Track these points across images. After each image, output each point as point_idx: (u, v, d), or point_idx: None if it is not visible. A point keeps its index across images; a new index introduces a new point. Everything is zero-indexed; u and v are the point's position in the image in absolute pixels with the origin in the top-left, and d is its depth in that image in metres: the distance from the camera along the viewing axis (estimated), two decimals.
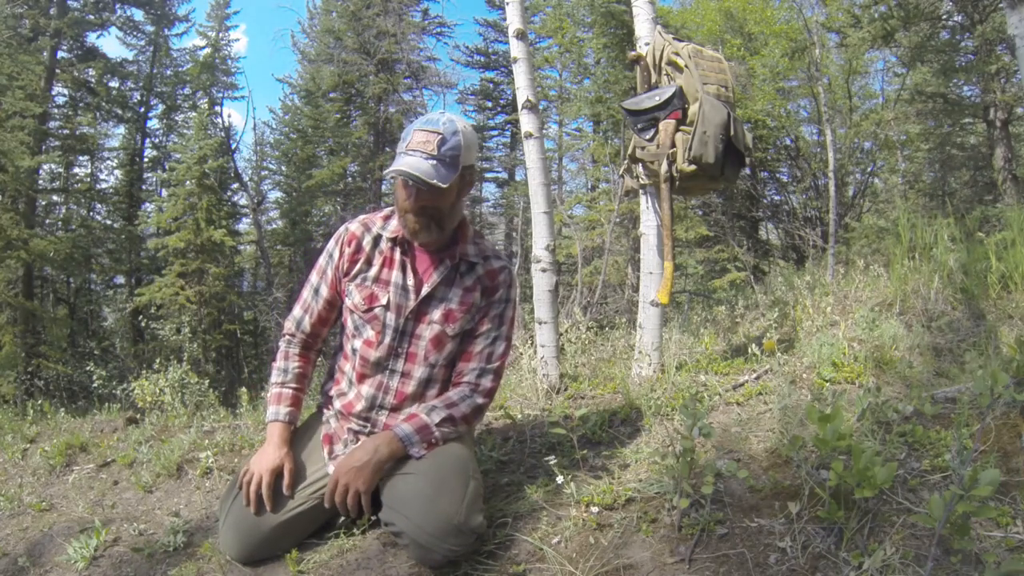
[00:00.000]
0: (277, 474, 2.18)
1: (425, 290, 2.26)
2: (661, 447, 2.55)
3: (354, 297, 2.29)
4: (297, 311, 2.44)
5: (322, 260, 2.40)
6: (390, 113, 20.49)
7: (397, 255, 2.29)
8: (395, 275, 2.28)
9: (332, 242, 2.37)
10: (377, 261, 2.31)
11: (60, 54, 17.46)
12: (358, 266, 2.31)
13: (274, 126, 22.49)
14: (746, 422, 2.75)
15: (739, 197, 11.91)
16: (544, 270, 3.86)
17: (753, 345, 3.65)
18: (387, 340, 2.26)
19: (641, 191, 3.77)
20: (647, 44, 3.68)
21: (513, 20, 3.96)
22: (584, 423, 2.95)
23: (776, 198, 12.52)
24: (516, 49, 3.95)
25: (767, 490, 2.10)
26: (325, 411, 2.45)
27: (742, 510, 2.01)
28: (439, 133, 2.10)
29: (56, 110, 18.35)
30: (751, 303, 5.72)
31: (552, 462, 2.57)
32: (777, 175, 12.37)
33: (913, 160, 12.49)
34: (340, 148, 19.85)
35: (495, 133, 24.71)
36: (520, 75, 3.95)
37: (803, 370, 3.31)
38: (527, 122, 3.91)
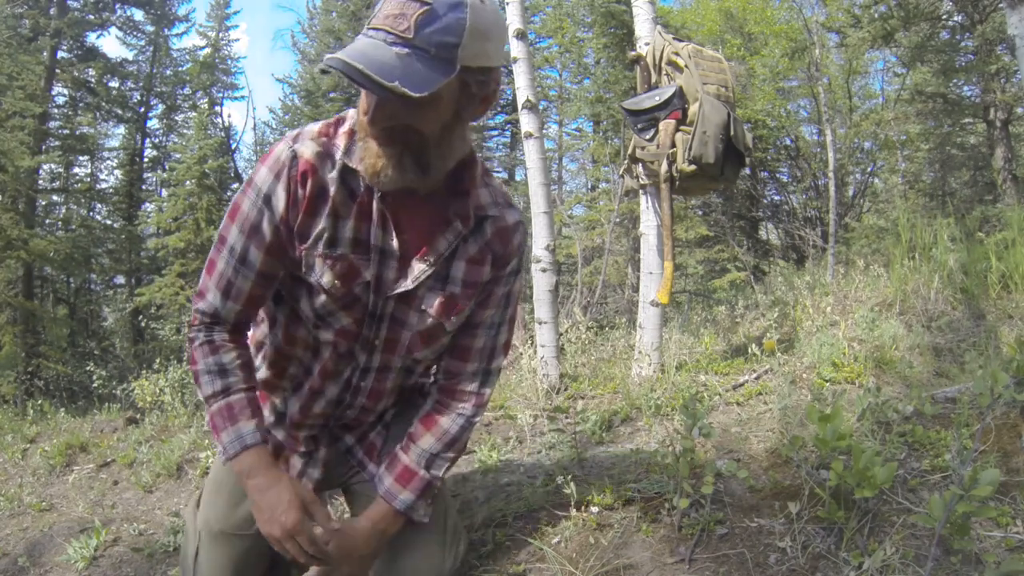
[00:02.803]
0: (304, 520, 1.45)
1: (420, 270, 1.50)
2: (661, 447, 2.55)
3: (322, 276, 1.46)
4: (211, 292, 1.52)
5: (248, 206, 1.46)
6: None
7: (375, 201, 1.45)
8: (374, 233, 1.46)
9: (265, 173, 1.43)
10: (349, 212, 1.45)
11: (60, 54, 17.45)
12: (320, 221, 1.44)
13: (274, 126, 22.50)
14: (746, 422, 2.75)
15: (739, 197, 11.91)
16: (544, 270, 3.86)
17: (753, 345, 3.65)
18: (362, 328, 1.56)
19: (641, 191, 3.77)
20: (647, 44, 3.69)
21: (513, 20, 3.97)
22: (584, 423, 2.95)
23: (776, 198, 12.52)
24: (516, 49, 3.95)
25: (767, 490, 2.10)
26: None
27: (742, 510, 2.01)
28: (426, 2, 1.21)
29: (56, 110, 18.34)
30: (751, 303, 5.72)
31: (552, 462, 2.57)
32: (777, 175, 12.37)
33: (913, 160, 12.49)
34: None
35: (495, 133, 24.67)
36: (520, 75, 3.95)
37: (803, 370, 3.31)
38: (527, 122, 3.92)
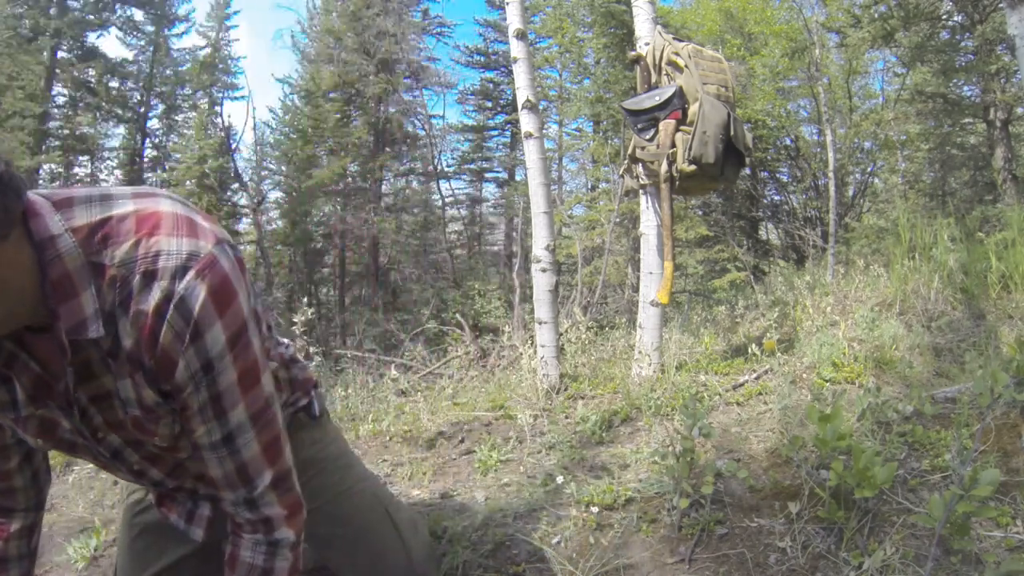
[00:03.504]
0: None
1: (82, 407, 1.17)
2: (661, 447, 2.54)
3: (25, 434, 1.21)
4: None
5: None
6: (390, 113, 20.50)
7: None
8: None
9: None
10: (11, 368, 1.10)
11: (60, 54, 17.49)
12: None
13: (274, 126, 22.51)
14: (746, 422, 2.75)
15: (739, 197, 11.91)
16: (544, 270, 3.86)
17: (753, 345, 3.65)
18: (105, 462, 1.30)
19: (641, 191, 3.77)
20: (647, 44, 3.69)
21: (513, 20, 3.96)
22: (584, 423, 2.95)
23: (776, 198, 12.51)
24: (516, 49, 3.95)
25: (767, 490, 2.10)
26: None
27: (742, 510, 2.01)
28: None
29: (56, 110, 18.37)
30: (751, 303, 5.72)
31: (552, 462, 2.57)
32: (777, 175, 12.36)
33: (913, 160, 12.48)
34: (340, 148, 19.84)
35: (495, 133, 24.71)
36: (520, 75, 3.95)
37: (803, 370, 3.31)
38: (527, 122, 3.91)
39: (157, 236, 1.05)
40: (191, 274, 1.04)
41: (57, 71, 17.34)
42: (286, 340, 1.72)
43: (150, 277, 1.03)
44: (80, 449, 1.25)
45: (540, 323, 3.86)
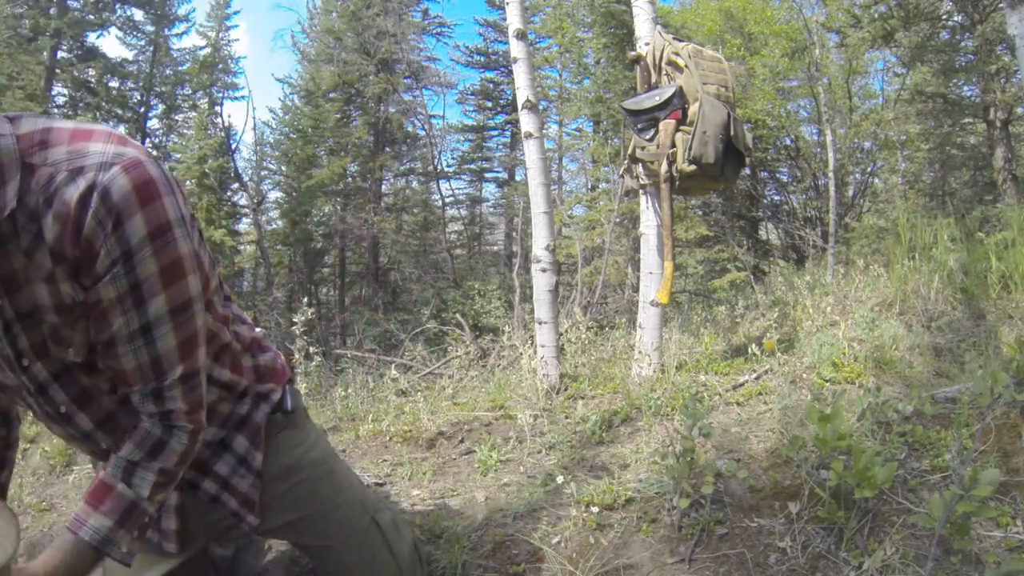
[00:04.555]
0: None
1: None
2: (661, 447, 2.55)
3: None
4: None
5: None
6: (390, 113, 20.49)
7: None
8: None
9: None
10: None
11: (60, 54, 17.48)
12: None
13: (274, 126, 22.48)
14: (746, 422, 2.75)
15: (739, 197, 11.91)
16: (544, 270, 3.86)
17: (753, 345, 3.65)
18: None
19: (641, 191, 3.77)
20: (647, 44, 3.69)
21: (513, 20, 3.97)
22: (584, 423, 2.95)
23: (776, 198, 12.52)
24: (516, 49, 3.95)
25: (767, 490, 2.10)
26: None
27: (742, 510, 2.01)
28: None
29: (56, 110, 18.34)
30: (751, 303, 5.72)
31: (552, 462, 2.57)
32: (777, 175, 12.36)
33: (913, 160, 12.48)
34: (340, 148, 19.85)
35: (495, 133, 24.71)
36: (520, 75, 3.95)
37: (803, 370, 3.31)
38: (527, 122, 3.92)
39: (88, 142, 1.09)
40: (116, 168, 1.07)
41: (57, 71, 17.33)
42: (260, 329, 1.69)
43: (76, 173, 1.06)
44: (7, 388, 1.27)
45: (540, 323, 3.86)
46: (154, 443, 1.26)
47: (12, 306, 1.14)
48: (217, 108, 20.88)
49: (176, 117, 21.87)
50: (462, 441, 3.11)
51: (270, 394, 1.61)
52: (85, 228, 1.06)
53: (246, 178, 19.94)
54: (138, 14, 19.94)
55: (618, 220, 10.00)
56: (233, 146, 18.85)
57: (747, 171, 10.85)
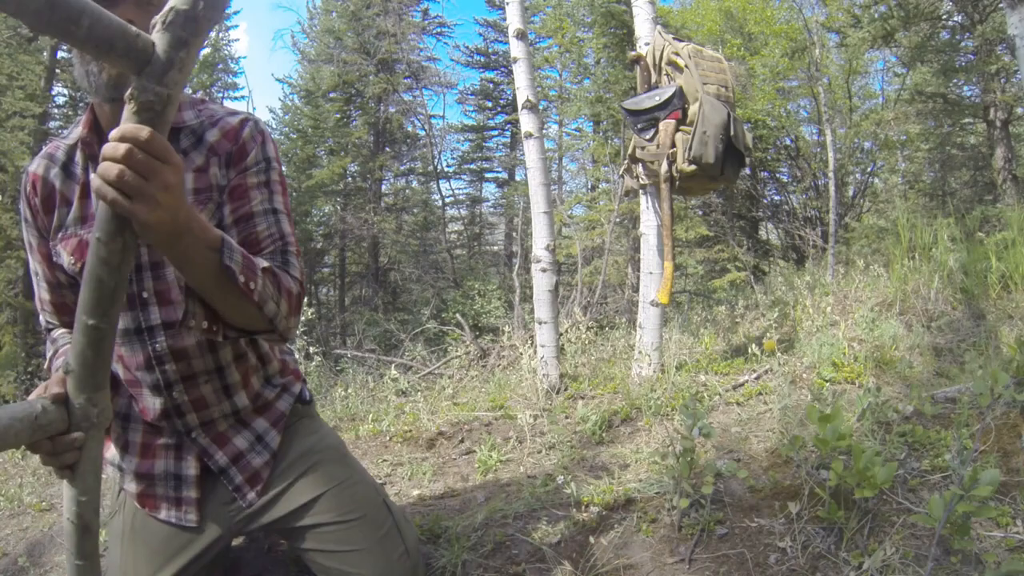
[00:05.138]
0: None
1: None
2: (661, 447, 2.55)
3: (62, 258, 1.53)
4: (40, 313, 1.69)
5: (24, 233, 1.62)
6: (390, 113, 20.49)
7: (91, 170, 1.51)
8: (95, 202, 1.37)
9: (22, 201, 1.61)
10: (74, 193, 1.53)
11: (60, 54, 17.47)
12: (57, 213, 1.54)
13: (274, 126, 22.42)
14: (746, 422, 2.75)
15: (739, 197, 11.91)
16: (544, 270, 3.86)
17: (753, 345, 3.65)
18: (131, 293, 1.53)
19: (641, 191, 3.77)
20: (647, 44, 3.69)
21: (513, 20, 3.97)
22: (584, 423, 2.95)
23: (776, 198, 12.51)
24: (516, 49, 3.95)
25: (767, 490, 2.10)
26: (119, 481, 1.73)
27: (742, 510, 2.01)
28: None
29: (56, 110, 18.34)
30: (751, 303, 5.72)
31: (552, 462, 2.57)
32: (777, 175, 12.35)
33: (913, 160, 12.48)
34: (340, 148, 19.83)
35: (495, 133, 24.68)
36: (520, 75, 3.95)
37: (803, 370, 3.31)
38: (527, 122, 3.92)
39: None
40: (257, 118, 1.63)
41: (57, 71, 17.31)
42: None
43: (234, 113, 1.62)
44: None
45: (540, 323, 3.86)
46: (279, 274, 1.45)
47: None
48: None
49: None
50: (462, 441, 3.11)
51: (291, 386, 1.81)
52: (244, 135, 1.57)
53: None
54: None
55: (618, 220, 10.00)
56: None
57: (747, 171, 10.85)
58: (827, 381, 3.06)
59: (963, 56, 9.70)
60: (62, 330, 1.64)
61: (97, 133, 1.52)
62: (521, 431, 3.04)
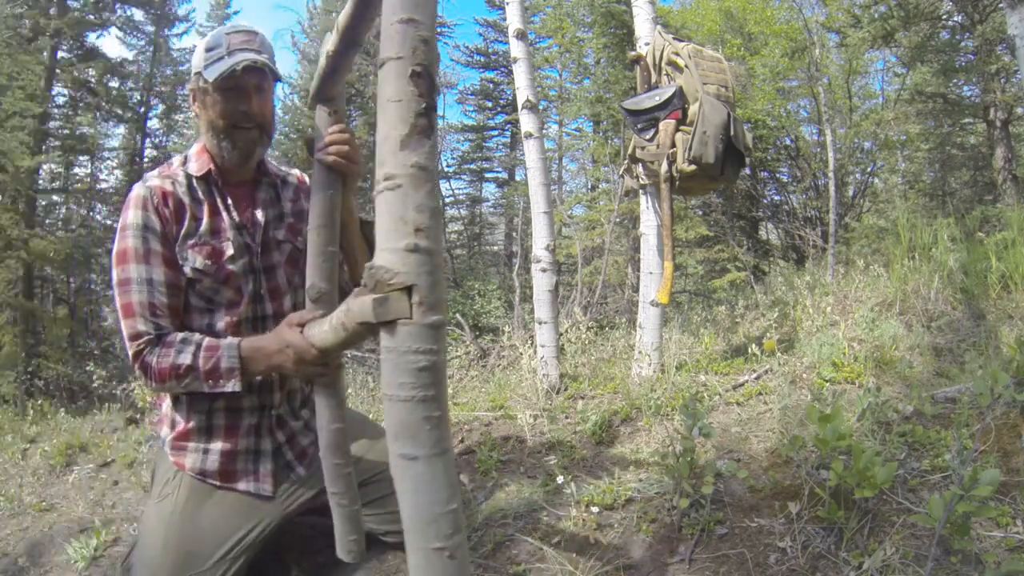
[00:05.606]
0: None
1: (261, 217, 2.00)
2: (661, 447, 2.55)
3: (195, 261, 1.87)
4: (141, 323, 1.82)
5: (133, 242, 1.83)
6: None
7: (216, 197, 1.96)
8: (225, 219, 1.94)
9: (134, 212, 1.84)
10: (202, 212, 1.92)
11: (60, 54, 17.44)
12: (186, 225, 1.89)
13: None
14: (746, 422, 2.75)
15: (739, 197, 11.90)
16: (544, 270, 3.86)
17: (753, 345, 3.65)
18: (248, 290, 1.94)
19: (641, 191, 3.77)
20: (647, 44, 3.69)
21: (513, 20, 3.96)
22: (584, 423, 2.95)
23: (776, 198, 12.50)
24: (516, 49, 3.95)
25: (767, 490, 2.10)
26: (184, 453, 1.97)
27: (742, 510, 2.01)
28: (255, 32, 1.88)
29: (56, 110, 18.33)
30: (751, 303, 5.72)
31: (552, 462, 2.57)
32: (777, 175, 12.35)
33: (913, 160, 12.47)
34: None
35: (495, 133, 24.69)
36: (520, 75, 3.95)
37: (803, 370, 3.31)
38: (527, 122, 3.91)
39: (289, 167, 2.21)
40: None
41: (57, 71, 17.29)
42: None
43: (290, 170, 2.20)
44: (228, 280, 1.91)
45: (540, 323, 3.86)
46: None
47: (267, 212, 2.04)
48: None
49: (176, 117, 21.85)
50: (462, 441, 3.11)
51: None
52: (307, 181, 2.13)
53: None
54: (138, 14, 19.91)
55: (618, 220, 10.00)
56: None
57: (747, 171, 10.85)
58: (827, 381, 3.06)
59: (963, 56, 9.70)
60: (182, 334, 1.83)
61: (219, 169, 1.96)
62: (521, 431, 3.04)
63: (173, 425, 1.97)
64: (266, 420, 1.99)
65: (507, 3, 4.05)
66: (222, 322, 1.92)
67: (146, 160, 21.29)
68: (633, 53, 3.77)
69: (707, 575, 1.77)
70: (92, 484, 3.21)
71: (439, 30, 22.92)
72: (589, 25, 11.90)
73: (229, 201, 1.96)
